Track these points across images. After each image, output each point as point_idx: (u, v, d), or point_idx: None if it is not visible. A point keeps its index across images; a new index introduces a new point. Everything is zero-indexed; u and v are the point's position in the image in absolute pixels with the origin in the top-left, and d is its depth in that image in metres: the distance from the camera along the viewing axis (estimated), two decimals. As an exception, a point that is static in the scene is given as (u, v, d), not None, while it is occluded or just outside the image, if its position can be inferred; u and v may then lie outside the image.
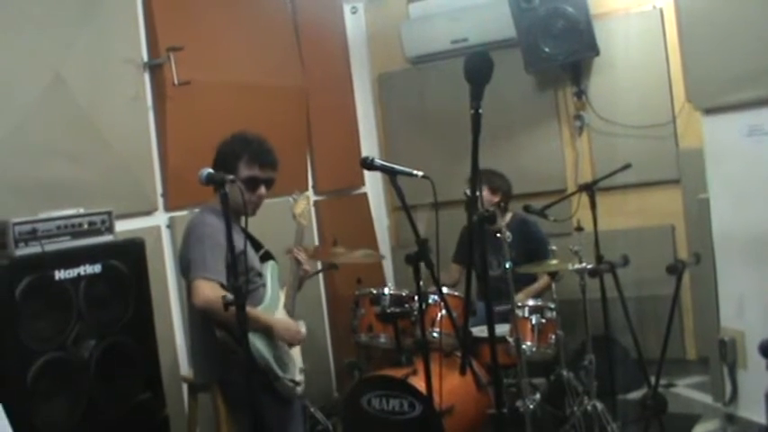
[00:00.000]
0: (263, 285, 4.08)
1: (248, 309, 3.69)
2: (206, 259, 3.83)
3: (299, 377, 3.97)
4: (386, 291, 5.11)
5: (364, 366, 5.36)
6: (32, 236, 3.66)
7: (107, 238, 3.99)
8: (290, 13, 6.22)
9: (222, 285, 3.77)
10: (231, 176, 3.59)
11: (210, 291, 3.72)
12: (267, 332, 3.88)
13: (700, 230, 5.49)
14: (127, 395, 3.95)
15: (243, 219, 3.88)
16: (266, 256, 4.28)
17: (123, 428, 3.89)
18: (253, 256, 3.93)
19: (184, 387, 4.64)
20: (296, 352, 4.10)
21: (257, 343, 3.83)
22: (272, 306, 4.02)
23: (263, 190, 4.00)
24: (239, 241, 3.87)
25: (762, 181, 4.66)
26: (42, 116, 4.26)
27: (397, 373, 4.57)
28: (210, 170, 3.44)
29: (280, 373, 3.88)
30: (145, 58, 5.02)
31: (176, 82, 4.97)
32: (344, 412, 4.83)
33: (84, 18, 4.59)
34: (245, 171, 3.97)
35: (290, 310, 4.18)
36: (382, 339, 5.05)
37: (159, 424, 4.13)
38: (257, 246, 4.24)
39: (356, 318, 5.17)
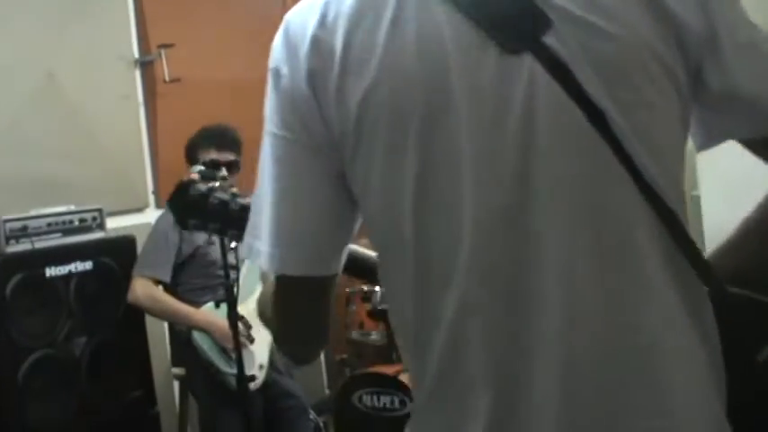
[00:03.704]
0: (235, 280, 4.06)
1: (180, 307, 3.80)
2: (145, 255, 4.03)
3: (253, 372, 3.95)
4: (377, 287, 5.10)
5: (355, 363, 5.36)
6: (23, 233, 3.66)
7: (98, 235, 3.99)
8: (281, 10, 6.22)
9: (158, 281, 4.01)
10: (223, 173, 3.62)
11: (140, 289, 3.94)
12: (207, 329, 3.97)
13: (691, 228, 5.48)
14: (118, 392, 3.95)
15: None
16: None
17: (114, 425, 3.89)
18: (219, 249, 3.73)
19: (175, 384, 4.64)
20: (260, 347, 4.10)
21: (197, 337, 3.89)
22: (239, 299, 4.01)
23: (223, 172, 4.02)
24: (200, 238, 3.95)
25: (753, 178, 4.66)
26: (33, 113, 4.26)
27: (389, 370, 4.57)
28: (202, 167, 3.45)
29: (222, 367, 3.91)
30: (136, 55, 5.01)
31: (167, 79, 4.96)
32: (336, 409, 4.83)
33: (76, 16, 4.58)
34: (203, 156, 4.02)
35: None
36: (374, 336, 5.04)
37: (150, 421, 4.13)
38: None
39: (347, 314, 5.16)
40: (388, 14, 1.17)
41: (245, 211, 2.19)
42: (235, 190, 2.32)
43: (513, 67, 1.13)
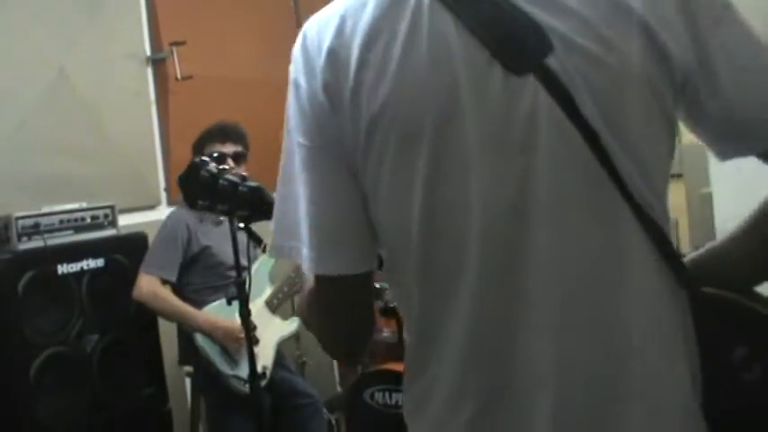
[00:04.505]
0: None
1: (184, 307, 3.80)
2: (153, 253, 4.04)
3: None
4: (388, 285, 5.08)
5: (367, 361, 5.36)
6: (35, 230, 3.67)
7: (110, 232, 4.00)
8: (292, 7, 6.22)
9: (164, 280, 4.00)
10: (230, 164, 3.71)
11: (146, 286, 3.93)
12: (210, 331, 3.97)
13: (702, 225, 5.47)
14: (129, 390, 3.96)
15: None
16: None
17: (126, 423, 3.90)
18: (227, 251, 3.69)
19: (187, 382, 4.64)
20: (264, 348, 4.09)
21: (200, 338, 3.89)
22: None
23: (230, 163, 4.04)
24: (207, 239, 3.95)
25: (764, 174, 4.64)
26: (45, 111, 4.27)
27: (401, 367, 4.56)
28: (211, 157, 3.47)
29: (223, 369, 3.91)
30: (148, 52, 5.02)
31: (179, 77, 4.96)
32: (347, 407, 4.83)
33: (88, 13, 4.59)
34: (208, 151, 4.03)
35: (275, 306, 4.20)
36: (385, 334, 5.03)
37: (162, 419, 4.14)
38: (258, 240, 4.25)
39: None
40: (402, 31, 1.23)
41: (254, 193, 2.22)
42: (244, 173, 2.36)
43: (518, 87, 1.20)
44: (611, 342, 1.21)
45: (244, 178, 2.39)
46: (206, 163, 2.43)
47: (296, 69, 1.32)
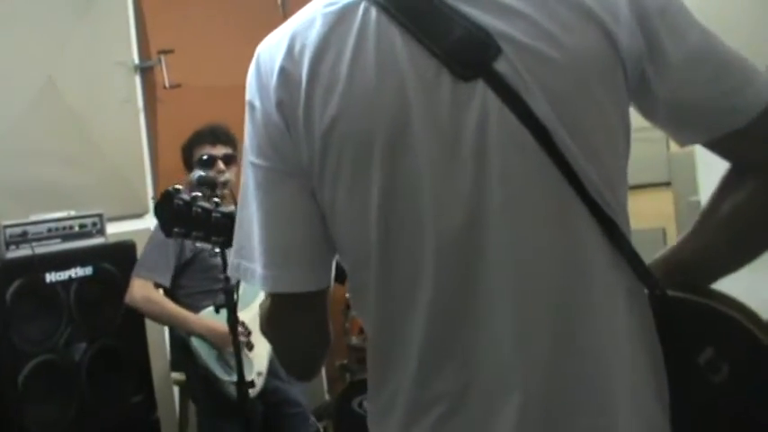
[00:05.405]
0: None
1: (178, 311, 3.79)
2: (146, 257, 4.00)
3: (252, 379, 3.92)
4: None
5: (355, 369, 5.36)
6: (23, 238, 3.66)
7: (98, 240, 4.00)
8: (281, 15, 6.22)
9: (157, 284, 3.96)
10: (223, 179, 3.68)
11: (137, 290, 3.90)
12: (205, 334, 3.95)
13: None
14: (118, 398, 3.95)
15: None
16: None
17: (114, 431, 3.89)
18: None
19: (176, 390, 4.64)
20: (259, 354, 4.08)
21: (196, 344, 3.87)
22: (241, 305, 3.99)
23: (220, 165, 4.05)
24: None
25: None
26: (33, 118, 4.27)
27: (389, 375, 4.55)
28: (202, 173, 3.46)
29: (219, 375, 3.89)
30: (136, 60, 5.02)
31: (167, 85, 4.96)
32: (336, 415, 4.82)
33: (76, 21, 4.59)
34: (197, 153, 4.05)
35: None
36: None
37: (150, 426, 4.13)
38: None
39: (348, 320, 5.16)
40: (350, 46, 1.24)
41: (228, 218, 2.26)
42: (217, 199, 2.40)
43: (467, 94, 1.20)
44: (570, 351, 1.21)
45: (217, 204, 2.43)
46: (179, 191, 2.47)
47: (250, 91, 1.35)
